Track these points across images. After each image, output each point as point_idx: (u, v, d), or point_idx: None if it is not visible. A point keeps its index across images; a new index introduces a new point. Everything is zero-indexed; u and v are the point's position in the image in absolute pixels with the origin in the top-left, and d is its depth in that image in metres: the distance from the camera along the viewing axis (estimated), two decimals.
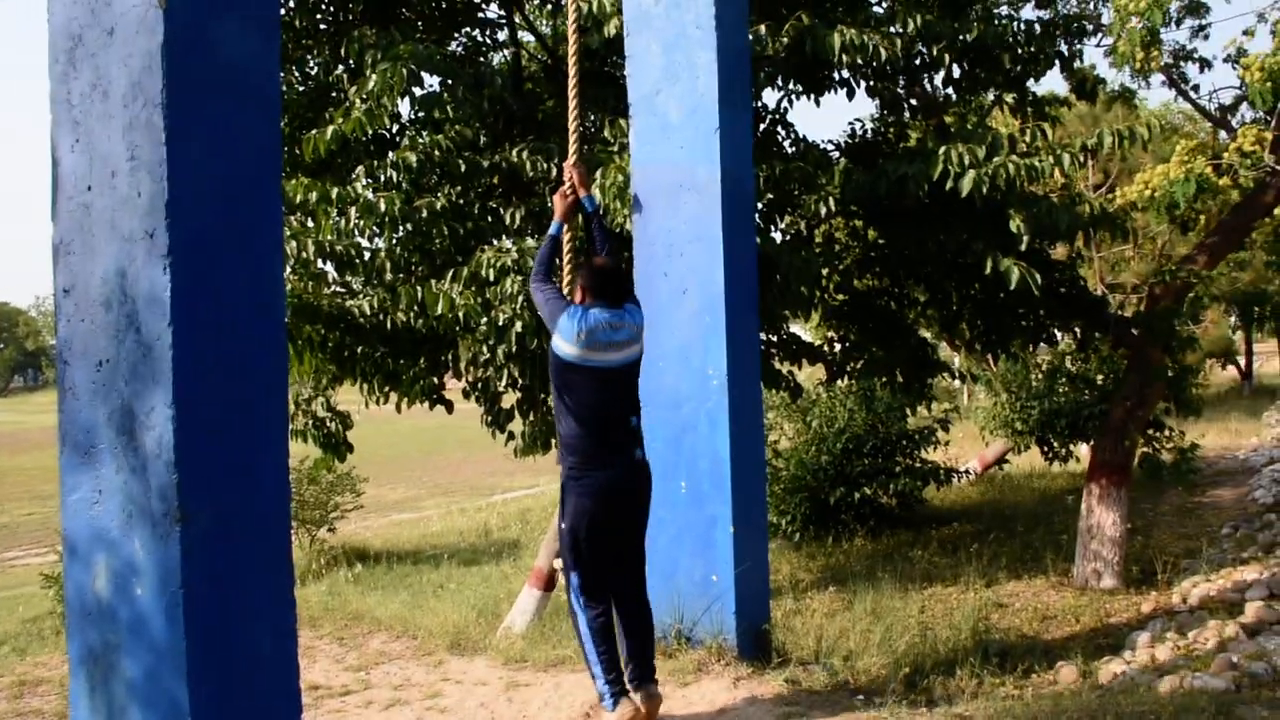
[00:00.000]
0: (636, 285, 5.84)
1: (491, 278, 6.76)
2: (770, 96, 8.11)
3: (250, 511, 2.96)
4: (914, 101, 7.99)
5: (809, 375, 11.17)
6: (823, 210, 6.60)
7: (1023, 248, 6.94)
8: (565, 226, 5.01)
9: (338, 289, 8.42)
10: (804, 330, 10.84)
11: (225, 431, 2.91)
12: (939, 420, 12.25)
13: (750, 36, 6.42)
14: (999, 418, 13.98)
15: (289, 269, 7.70)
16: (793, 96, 8.23)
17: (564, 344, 4.35)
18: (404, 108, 7.73)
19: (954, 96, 7.95)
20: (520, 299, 6.59)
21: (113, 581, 2.99)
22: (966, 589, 8.59)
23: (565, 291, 4.83)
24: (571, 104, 5.27)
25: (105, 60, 2.96)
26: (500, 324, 6.68)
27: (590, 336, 4.34)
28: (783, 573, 10.02)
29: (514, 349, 6.85)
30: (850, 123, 8.45)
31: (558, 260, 5.00)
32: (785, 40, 6.44)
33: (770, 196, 6.93)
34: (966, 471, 14.35)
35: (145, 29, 2.85)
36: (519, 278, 6.66)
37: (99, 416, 3.01)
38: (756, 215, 7.27)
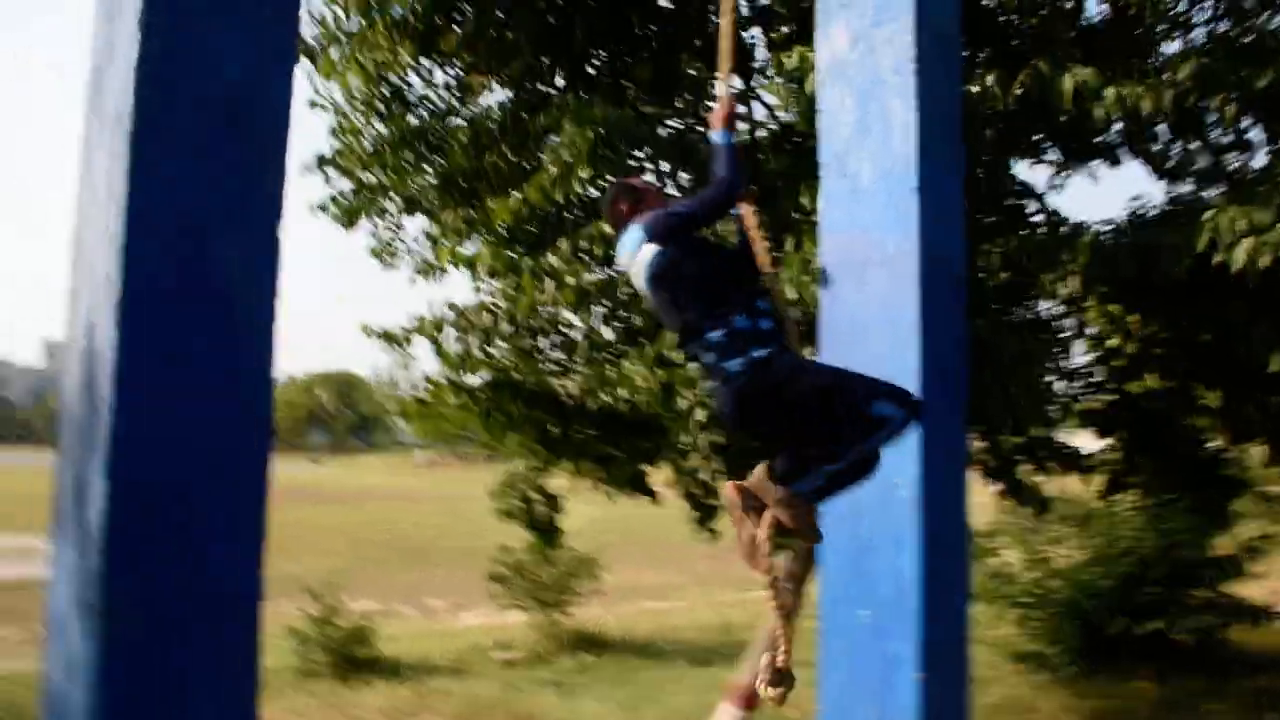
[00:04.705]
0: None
1: (677, 358, 6.15)
2: (1038, 174, 7.11)
3: (202, 618, 2.45)
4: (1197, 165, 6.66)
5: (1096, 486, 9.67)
6: (1062, 291, 5.50)
7: None
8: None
9: (549, 366, 8.10)
10: (1075, 435, 9.41)
11: (174, 517, 2.43)
12: (1249, 548, 10.22)
13: (978, 89, 5.52)
14: None
15: (490, 340, 7.47)
16: (1067, 171, 7.18)
17: None
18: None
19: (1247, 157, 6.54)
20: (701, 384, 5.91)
21: (65, 673, 2.57)
22: None
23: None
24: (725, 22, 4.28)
25: (106, 85, 2.64)
26: (680, 410, 6.02)
27: None
28: (1043, 712, 8.61)
29: (698, 439, 6.17)
30: (1134, 199, 7.23)
31: None
32: (1017, 91, 5.46)
33: (1005, 275, 5.89)
34: None
35: (124, 45, 2.49)
36: None
37: (67, 484, 2.64)
38: (992, 300, 6.28)
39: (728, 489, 3.71)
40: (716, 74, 4.40)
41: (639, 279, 3.78)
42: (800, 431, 3.75)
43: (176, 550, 2.45)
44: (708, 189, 3.90)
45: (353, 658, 10.04)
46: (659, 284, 3.72)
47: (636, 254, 3.74)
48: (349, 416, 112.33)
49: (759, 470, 3.66)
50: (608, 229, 6.63)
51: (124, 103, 2.47)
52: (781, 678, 3.99)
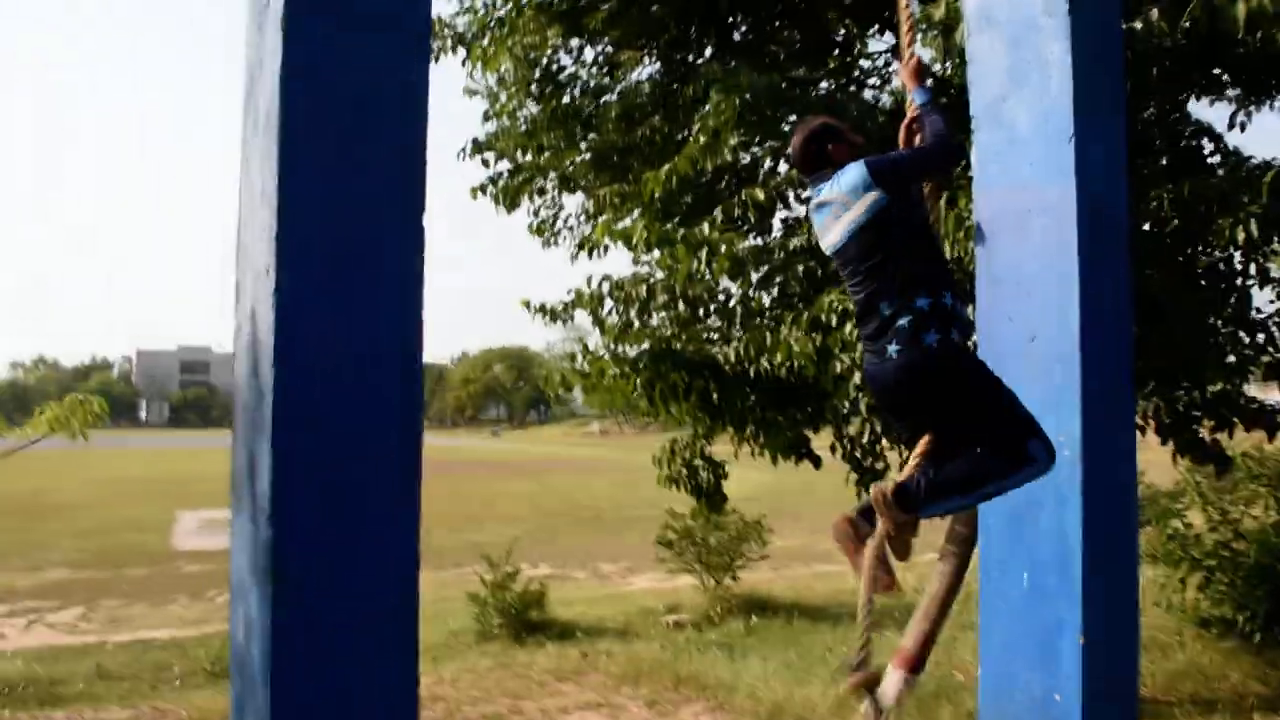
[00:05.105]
0: (980, 331, 4.93)
1: (833, 322, 6.11)
2: (1219, 113, 6.65)
3: (364, 580, 2.65)
4: None
5: None
6: (1240, 236, 5.17)
7: None
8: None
9: (708, 334, 8.16)
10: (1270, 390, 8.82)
11: (335, 490, 2.63)
12: None
13: (1142, 25, 5.25)
14: None
15: (647, 311, 7.58)
16: (1250, 107, 6.73)
17: None
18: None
19: None
20: (859, 347, 5.86)
21: (245, 632, 2.83)
22: None
23: None
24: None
25: (258, 90, 2.85)
26: (837, 374, 5.99)
27: (814, 223, 3.71)
28: (1229, 681, 8.18)
29: (857, 402, 6.13)
30: None
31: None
32: (1186, 24, 5.15)
33: (1178, 222, 5.59)
34: None
35: (272, 54, 2.69)
36: None
37: (241, 462, 2.88)
38: (1165, 248, 5.98)
39: (838, 522, 3.62)
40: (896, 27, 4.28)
41: (846, 221, 3.54)
42: (948, 426, 3.62)
43: (337, 520, 2.66)
44: (925, 147, 3.71)
45: (527, 620, 10.44)
46: (872, 232, 3.49)
47: (857, 196, 3.50)
48: (525, 390, 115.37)
49: (882, 490, 3.55)
50: (760, 195, 6.67)
51: (273, 107, 2.67)
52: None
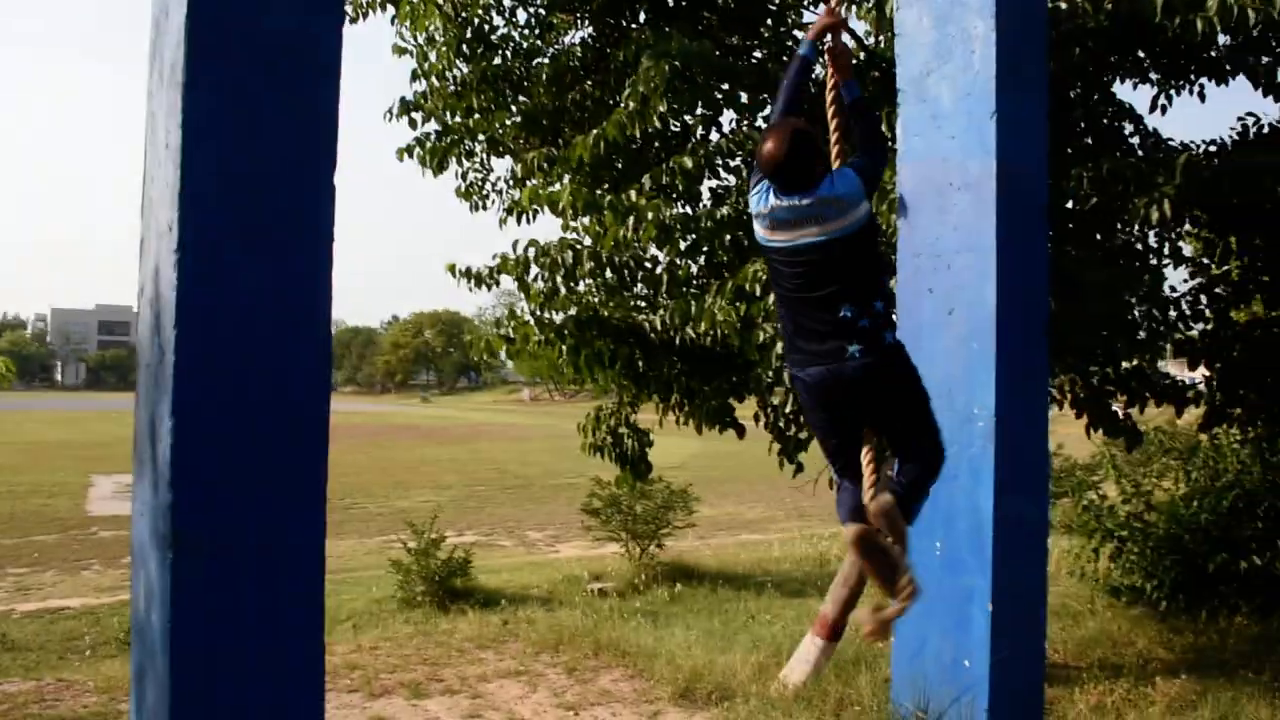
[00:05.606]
0: (899, 303, 4.97)
1: (757, 292, 6.12)
2: (1142, 95, 6.74)
3: (266, 547, 2.59)
4: None
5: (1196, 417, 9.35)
6: (1154, 216, 5.28)
7: None
8: (818, 47, 3.82)
9: (638, 302, 8.14)
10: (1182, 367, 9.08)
11: (238, 453, 2.56)
12: None
13: (1067, 5, 5.31)
14: None
15: (574, 277, 7.52)
16: (1170, 93, 6.84)
17: (754, 222, 3.66)
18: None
19: None
20: None
21: (145, 600, 2.75)
22: None
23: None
24: None
25: (163, 43, 2.74)
26: (760, 343, 6.02)
27: (770, 215, 3.54)
28: (1136, 647, 8.45)
29: (781, 373, 6.16)
30: (1241, 118, 6.87)
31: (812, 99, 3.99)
32: (1109, 6, 5.22)
33: (1095, 200, 5.69)
34: None
35: (177, 4, 2.58)
36: None
37: (143, 424, 2.79)
38: (1082, 226, 6.08)
39: (862, 533, 3.54)
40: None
41: (830, 226, 3.44)
42: (896, 424, 3.71)
43: (240, 484, 2.58)
44: (877, 153, 3.67)
45: (451, 588, 10.39)
46: (850, 240, 3.46)
47: (851, 206, 3.44)
48: (456, 355, 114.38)
49: (887, 504, 3.54)
50: (688, 163, 6.63)
51: (178, 59, 2.57)
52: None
